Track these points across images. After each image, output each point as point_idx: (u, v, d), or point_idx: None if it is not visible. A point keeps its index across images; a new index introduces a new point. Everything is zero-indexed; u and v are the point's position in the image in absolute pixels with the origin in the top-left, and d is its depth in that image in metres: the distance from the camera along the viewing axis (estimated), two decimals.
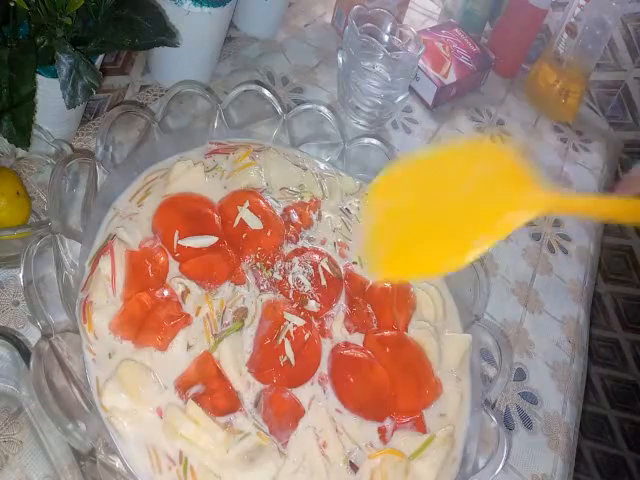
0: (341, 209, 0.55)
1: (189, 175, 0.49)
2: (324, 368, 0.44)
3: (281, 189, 0.53)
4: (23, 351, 0.38)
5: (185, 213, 0.47)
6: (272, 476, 0.37)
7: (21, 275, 0.36)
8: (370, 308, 0.48)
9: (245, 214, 0.48)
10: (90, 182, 0.43)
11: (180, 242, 0.45)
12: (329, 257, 0.50)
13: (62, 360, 0.35)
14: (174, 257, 0.44)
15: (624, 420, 1.10)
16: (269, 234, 0.49)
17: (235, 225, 0.48)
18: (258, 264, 0.47)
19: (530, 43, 0.91)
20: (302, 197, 0.53)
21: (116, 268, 0.41)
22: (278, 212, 0.51)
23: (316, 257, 0.50)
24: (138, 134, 0.48)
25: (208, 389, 0.39)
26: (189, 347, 0.40)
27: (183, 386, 0.38)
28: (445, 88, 0.79)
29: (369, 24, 0.70)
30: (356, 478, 0.39)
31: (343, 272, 0.50)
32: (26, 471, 0.37)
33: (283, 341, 0.43)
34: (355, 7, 0.69)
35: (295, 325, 0.44)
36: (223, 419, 0.38)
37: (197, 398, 0.38)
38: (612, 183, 0.33)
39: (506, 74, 0.93)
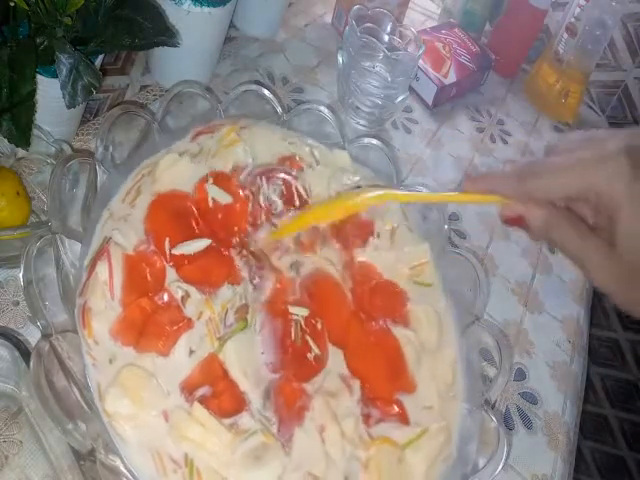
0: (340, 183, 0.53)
1: (175, 168, 0.48)
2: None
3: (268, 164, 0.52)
4: (23, 351, 0.38)
5: (173, 214, 0.46)
6: (278, 474, 0.37)
7: (21, 275, 0.36)
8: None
9: (213, 191, 0.47)
10: (90, 182, 0.43)
11: (173, 251, 0.44)
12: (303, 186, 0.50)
13: (62, 360, 0.35)
14: (169, 264, 0.44)
15: (624, 420, 1.10)
16: (238, 207, 0.48)
17: (210, 206, 0.47)
18: (244, 251, 0.46)
19: (530, 43, 0.91)
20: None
21: (113, 272, 0.41)
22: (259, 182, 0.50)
23: (288, 178, 0.49)
24: (138, 134, 0.48)
25: (214, 391, 0.38)
26: (191, 352, 0.40)
27: (189, 389, 0.38)
28: (445, 88, 0.79)
29: (369, 24, 0.70)
30: (352, 467, 0.39)
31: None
32: (26, 471, 0.37)
33: (305, 338, 0.43)
34: (355, 7, 0.69)
35: (303, 316, 0.44)
36: (229, 420, 0.38)
37: (203, 400, 0.37)
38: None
39: (506, 74, 0.93)
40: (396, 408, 0.43)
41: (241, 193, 0.49)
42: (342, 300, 0.47)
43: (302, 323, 0.43)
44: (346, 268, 0.49)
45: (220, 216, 0.47)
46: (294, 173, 0.51)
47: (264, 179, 0.48)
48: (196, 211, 0.47)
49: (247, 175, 0.49)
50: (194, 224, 0.46)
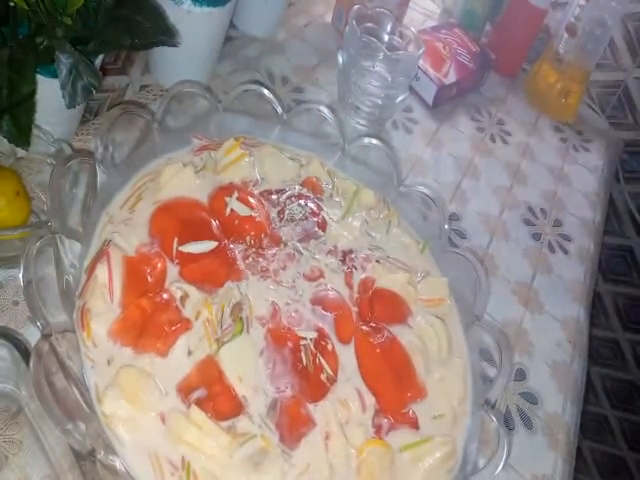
0: (366, 220, 0.53)
1: (179, 178, 0.48)
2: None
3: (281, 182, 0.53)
4: (23, 351, 0.38)
5: (181, 219, 0.46)
6: None
7: (21, 275, 0.36)
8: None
9: (234, 204, 0.48)
10: (90, 182, 0.43)
11: (180, 248, 0.44)
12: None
13: (62, 360, 0.35)
14: (173, 262, 0.44)
15: (624, 420, 1.10)
16: (258, 219, 0.49)
17: (227, 214, 0.48)
18: (250, 248, 0.47)
19: (530, 43, 0.91)
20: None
21: (113, 274, 0.41)
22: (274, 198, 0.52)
23: (313, 206, 0.51)
24: (138, 134, 0.48)
25: (210, 393, 0.38)
26: (190, 353, 0.40)
27: (184, 390, 0.38)
28: (445, 88, 0.79)
29: (369, 24, 0.69)
30: (346, 470, 0.39)
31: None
32: (26, 471, 0.37)
33: (316, 362, 0.42)
34: (355, 7, 0.69)
35: (312, 339, 0.43)
36: (226, 423, 0.37)
37: (199, 403, 0.37)
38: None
39: (506, 74, 0.93)
40: (408, 415, 0.43)
41: (256, 210, 0.49)
42: (348, 312, 0.47)
43: (312, 347, 0.43)
44: (348, 284, 0.49)
45: (236, 223, 0.48)
46: (322, 206, 0.52)
47: (290, 200, 0.50)
48: (209, 218, 0.47)
49: (269, 194, 0.51)
50: (203, 229, 0.46)
